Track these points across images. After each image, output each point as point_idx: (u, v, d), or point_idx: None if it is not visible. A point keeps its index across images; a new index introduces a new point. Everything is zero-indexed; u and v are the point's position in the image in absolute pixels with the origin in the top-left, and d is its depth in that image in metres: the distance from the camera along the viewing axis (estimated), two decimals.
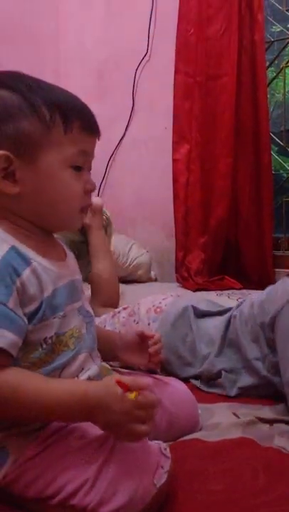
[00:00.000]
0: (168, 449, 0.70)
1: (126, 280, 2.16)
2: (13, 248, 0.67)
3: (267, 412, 0.99)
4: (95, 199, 1.59)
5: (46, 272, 0.70)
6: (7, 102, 0.69)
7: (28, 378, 0.65)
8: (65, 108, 0.71)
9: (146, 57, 2.44)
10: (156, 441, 0.71)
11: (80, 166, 0.74)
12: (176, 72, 2.18)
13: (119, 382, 0.63)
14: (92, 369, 0.76)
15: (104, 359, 0.89)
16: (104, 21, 2.59)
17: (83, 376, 0.74)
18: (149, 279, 2.36)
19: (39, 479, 0.66)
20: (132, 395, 0.63)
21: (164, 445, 0.70)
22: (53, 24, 2.67)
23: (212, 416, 0.96)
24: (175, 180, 2.20)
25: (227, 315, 1.21)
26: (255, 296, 1.20)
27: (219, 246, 2.21)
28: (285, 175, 2.44)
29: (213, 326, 1.21)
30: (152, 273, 2.40)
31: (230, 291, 1.96)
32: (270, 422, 0.95)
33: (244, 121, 2.12)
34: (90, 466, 0.65)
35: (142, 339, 0.92)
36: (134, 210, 2.50)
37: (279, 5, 2.29)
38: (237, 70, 2.08)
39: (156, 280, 2.40)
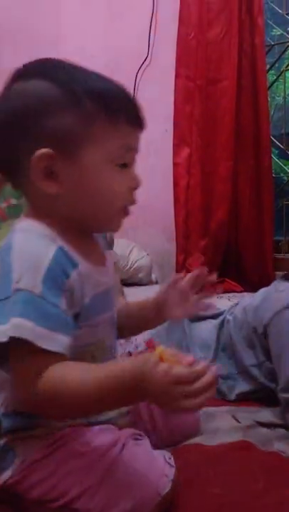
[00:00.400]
0: (172, 458, 0.69)
1: (127, 283, 2.16)
2: (61, 249, 0.64)
3: (267, 415, 0.99)
4: None
5: (89, 276, 0.67)
6: (47, 95, 0.63)
7: (71, 368, 0.61)
8: (110, 100, 0.65)
9: (147, 61, 2.45)
10: (160, 451, 0.71)
11: (126, 162, 0.69)
12: (176, 75, 2.19)
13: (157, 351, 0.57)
14: None
15: (148, 328, 0.89)
16: (105, 24, 2.60)
17: None
18: (150, 282, 2.37)
19: (44, 482, 0.66)
20: (158, 352, 0.57)
21: (168, 454, 0.70)
22: (54, 27, 2.68)
23: (212, 420, 0.96)
24: (175, 184, 2.21)
25: (220, 318, 1.21)
26: (247, 299, 1.20)
27: (220, 249, 2.22)
28: (285, 178, 2.44)
29: (207, 329, 1.21)
30: (153, 276, 2.40)
31: (230, 294, 1.96)
32: (270, 426, 0.95)
33: (244, 125, 2.13)
34: (95, 472, 0.65)
35: (175, 285, 0.84)
36: (134, 213, 2.49)
37: (279, 8, 2.30)
38: (237, 74, 2.09)
39: (156, 283, 2.40)
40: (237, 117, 2.12)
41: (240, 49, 2.09)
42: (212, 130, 2.14)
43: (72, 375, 0.60)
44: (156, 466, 0.67)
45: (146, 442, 0.71)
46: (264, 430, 0.93)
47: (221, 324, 1.19)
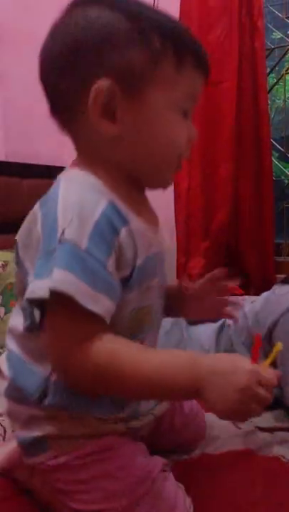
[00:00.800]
0: (192, 507, 0.68)
1: None
2: (110, 203, 0.58)
3: (267, 419, 0.99)
4: None
5: (142, 235, 0.61)
6: (113, 25, 0.58)
7: (126, 344, 0.57)
8: (179, 40, 0.60)
9: None
10: (182, 489, 0.69)
11: (187, 111, 0.64)
12: None
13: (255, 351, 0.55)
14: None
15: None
16: None
17: None
18: None
19: (72, 484, 0.64)
20: (265, 363, 0.55)
21: (188, 500, 0.69)
22: None
23: (212, 427, 0.95)
24: (176, 185, 2.21)
25: (219, 322, 1.21)
26: (247, 304, 1.19)
27: (220, 251, 2.21)
28: (286, 181, 2.44)
29: (205, 333, 1.20)
30: None
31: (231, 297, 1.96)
32: (270, 430, 0.95)
33: (245, 127, 2.13)
34: (126, 497, 0.63)
35: (212, 284, 0.78)
36: None
37: (279, 12, 2.30)
38: (238, 77, 2.09)
39: None
40: (237, 119, 2.11)
41: (241, 52, 2.09)
42: (212, 132, 2.14)
43: (126, 352, 0.56)
44: (180, 504, 0.66)
45: (171, 476, 0.69)
46: (264, 435, 0.93)
47: (220, 328, 1.18)
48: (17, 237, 0.64)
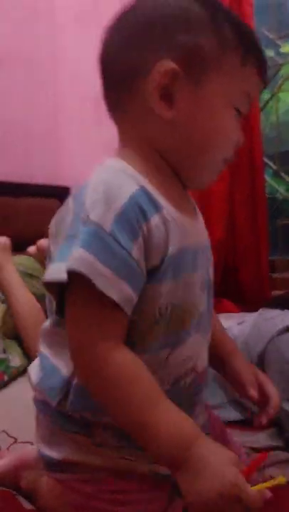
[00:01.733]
0: None
1: None
2: (142, 189, 0.55)
3: (259, 440, 0.99)
4: (2, 238, 1.53)
5: (176, 224, 0.58)
6: (193, 14, 0.58)
7: (143, 375, 0.53)
8: (247, 37, 0.60)
9: None
10: None
11: (241, 112, 0.62)
12: None
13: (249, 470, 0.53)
14: (202, 358, 0.66)
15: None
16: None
17: (189, 364, 0.63)
18: None
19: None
20: (260, 486, 0.53)
21: None
22: (50, 51, 2.72)
23: None
24: None
25: None
26: (235, 327, 1.19)
27: (217, 268, 2.22)
28: (280, 198, 2.46)
29: None
30: None
31: (227, 314, 1.96)
32: (262, 450, 0.94)
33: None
34: None
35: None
36: None
37: (269, 32, 2.34)
38: None
39: None
40: None
41: None
42: None
43: (143, 380, 0.53)
44: None
45: None
46: (256, 456, 0.92)
47: None
48: (49, 227, 0.62)
